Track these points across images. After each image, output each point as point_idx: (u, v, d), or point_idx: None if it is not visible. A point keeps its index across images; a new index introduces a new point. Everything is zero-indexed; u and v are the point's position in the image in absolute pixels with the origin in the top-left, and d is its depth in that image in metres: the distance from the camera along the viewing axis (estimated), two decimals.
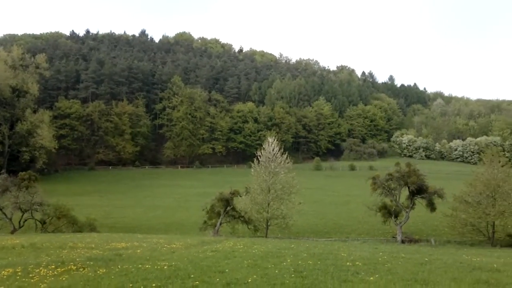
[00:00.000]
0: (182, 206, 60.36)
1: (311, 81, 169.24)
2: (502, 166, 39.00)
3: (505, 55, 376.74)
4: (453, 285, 9.44)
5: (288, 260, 13.71)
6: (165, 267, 12.04)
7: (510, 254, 22.32)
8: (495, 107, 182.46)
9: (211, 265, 12.43)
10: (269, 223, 38.40)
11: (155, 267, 12.03)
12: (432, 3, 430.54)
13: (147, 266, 12.19)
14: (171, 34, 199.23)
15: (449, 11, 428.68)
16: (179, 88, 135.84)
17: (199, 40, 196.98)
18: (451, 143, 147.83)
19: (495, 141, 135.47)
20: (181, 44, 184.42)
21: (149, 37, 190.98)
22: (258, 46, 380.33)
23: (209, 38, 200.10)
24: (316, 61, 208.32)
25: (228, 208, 38.59)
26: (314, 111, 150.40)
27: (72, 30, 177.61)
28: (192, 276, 10.60)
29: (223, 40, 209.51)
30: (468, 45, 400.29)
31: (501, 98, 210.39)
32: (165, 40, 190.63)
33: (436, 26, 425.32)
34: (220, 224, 38.32)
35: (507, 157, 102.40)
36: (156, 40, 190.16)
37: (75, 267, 11.84)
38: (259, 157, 40.85)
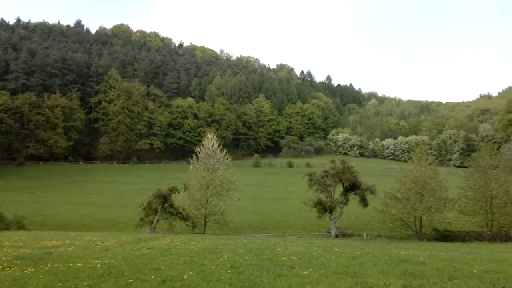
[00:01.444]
0: (117, 203, 58.78)
1: (251, 78, 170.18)
2: (430, 164, 41.32)
3: (433, 59, 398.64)
4: (382, 277, 9.89)
5: (225, 256, 13.77)
6: (98, 265, 11.71)
7: (435, 247, 23.70)
8: (424, 107, 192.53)
9: (146, 263, 12.23)
10: (207, 220, 38.30)
11: (87, 265, 11.66)
12: (364, 8, 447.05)
13: (78, 264, 11.79)
14: (108, 25, 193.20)
15: (380, 16, 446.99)
16: (116, 82, 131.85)
17: (138, 33, 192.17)
18: (383, 142, 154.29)
19: (423, 140, 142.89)
20: (118, 37, 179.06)
21: (84, 28, 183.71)
22: (199, 41, 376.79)
23: (148, 32, 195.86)
24: (257, 58, 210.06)
25: (166, 204, 38.17)
26: (254, 108, 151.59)
27: (1, 18, 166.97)
28: (126, 274, 10.38)
29: (163, 34, 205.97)
30: (401, 48, 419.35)
31: (430, 99, 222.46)
32: (101, 31, 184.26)
33: (369, 30, 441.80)
34: (157, 221, 37.80)
35: (434, 155, 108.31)
36: (93, 31, 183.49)
37: (0, 267, 11.22)
38: (198, 153, 40.61)
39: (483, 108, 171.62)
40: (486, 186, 39.63)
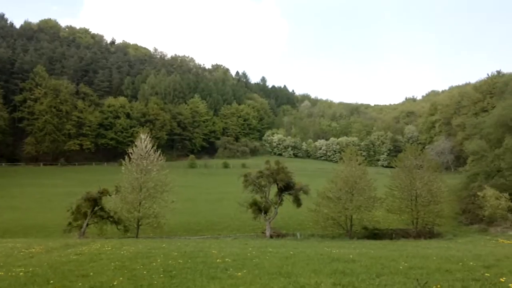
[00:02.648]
0: (44, 207, 55.85)
1: (186, 78, 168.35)
2: (359, 164, 43.01)
3: (363, 63, 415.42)
4: (313, 276, 10.10)
5: (158, 260, 13.51)
6: (21, 273, 11.06)
7: (365, 245, 24.63)
8: (354, 110, 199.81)
9: (74, 269, 11.71)
10: (140, 223, 37.39)
11: (9, 274, 10.99)
12: (295, 12, 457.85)
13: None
14: (34, 20, 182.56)
15: (311, 20, 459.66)
16: (42, 79, 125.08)
17: (67, 29, 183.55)
18: (316, 143, 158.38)
19: (353, 141, 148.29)
20: (45, 32, 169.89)
21: (8, 22, 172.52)
22: (132, 39, 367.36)
23: (78, 27, 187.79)
24: (192, 58, 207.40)
25: (96, 208, 36.85)
26: (189, 108, 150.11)
27: None
28: (52, 281, 9.87)
29: (94, 30, 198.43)
30: (332, 52, 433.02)
31: (359, 101, 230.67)
32: (27, 26, 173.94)
33: (301, 33, 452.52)
34: (87, 225, 36.38)
35: (363, 156, 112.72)
36: (17, 25, 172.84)
37: None
38: (130, 155, 39.55)
39: (408, 110, 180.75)
40: (411, 185, 41.80)
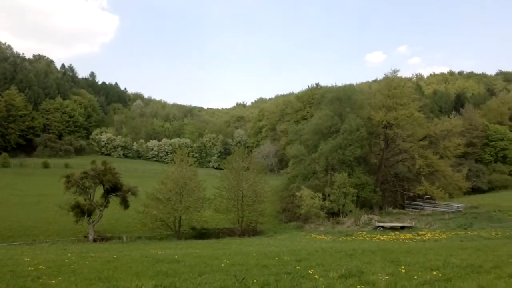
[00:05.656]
0: None
1: (1, 67, 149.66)
2: (190, 166, 43.70)
3: (198, 67, 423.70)
4: (135, 279, 9.76)
5: None
6: None
7: (191, 245, 24.98)
8: (188, 112, 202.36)
9: None
10: None
11: None
12: (126, 10, 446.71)
13: None
14: None
15: (143, 21, 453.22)
16: None
17: None
18: (148, 143, 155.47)
19: (186, 143, 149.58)
20: None
21: None
22: None
23: None
24: (9, 45, 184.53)
25: None
26: (3, 101, 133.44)
27: None
28: None
29: None
30: (168, 54, 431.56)
31: (193, 104, 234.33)
32: None
33: (133, 30, 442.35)
34: None
35: (195, 157, 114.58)
36: None
37: None
38: None
39: (238, 115, 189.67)
40: (238, 186, 43.95)
